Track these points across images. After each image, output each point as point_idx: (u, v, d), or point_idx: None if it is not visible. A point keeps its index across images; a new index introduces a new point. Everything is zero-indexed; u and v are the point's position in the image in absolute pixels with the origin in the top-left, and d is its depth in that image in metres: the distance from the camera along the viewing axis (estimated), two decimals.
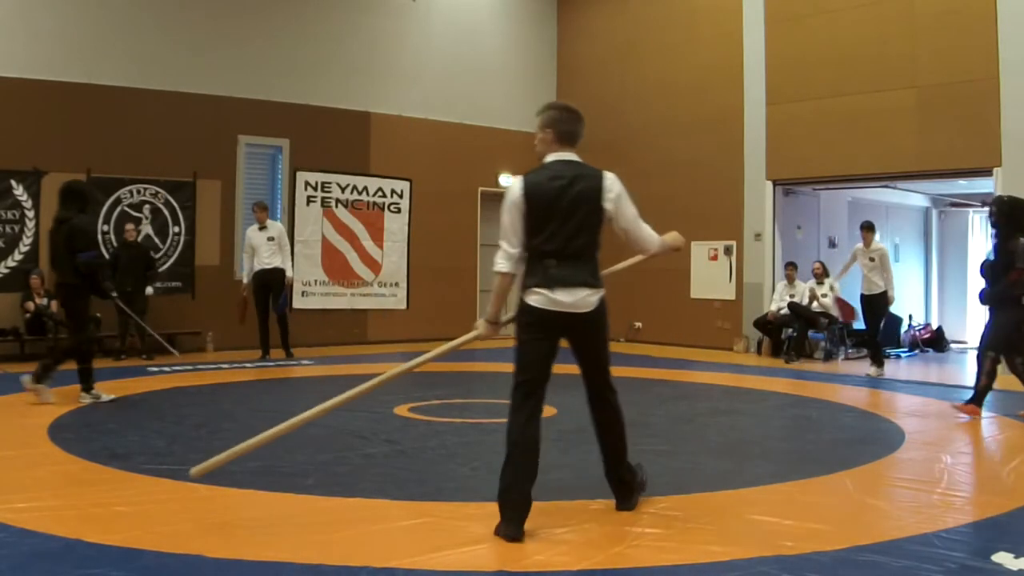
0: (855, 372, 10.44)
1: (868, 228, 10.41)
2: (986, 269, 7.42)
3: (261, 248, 10.93)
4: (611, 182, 4.07)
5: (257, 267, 10.93)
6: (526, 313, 4.01)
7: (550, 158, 4.10)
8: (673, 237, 4.46)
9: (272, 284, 10.92)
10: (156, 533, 3.79)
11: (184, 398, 7.84)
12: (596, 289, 4.01)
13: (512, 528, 3.79)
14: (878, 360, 10.23)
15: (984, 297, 7.39)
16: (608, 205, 4.03)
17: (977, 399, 7.18)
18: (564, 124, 4.14)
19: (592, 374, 4.18)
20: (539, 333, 3.99)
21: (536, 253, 3.99)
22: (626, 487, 4.28)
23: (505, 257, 4.01)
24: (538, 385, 4.02)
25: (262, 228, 11.00)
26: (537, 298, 3.96)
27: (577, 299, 3.95)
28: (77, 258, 7.17)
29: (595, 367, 4.17)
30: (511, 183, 4.09)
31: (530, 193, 3.99)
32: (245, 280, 11.11)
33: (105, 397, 7.41)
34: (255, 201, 11.47)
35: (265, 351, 10.97)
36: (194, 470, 4.23)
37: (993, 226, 7.35)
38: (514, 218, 4.00)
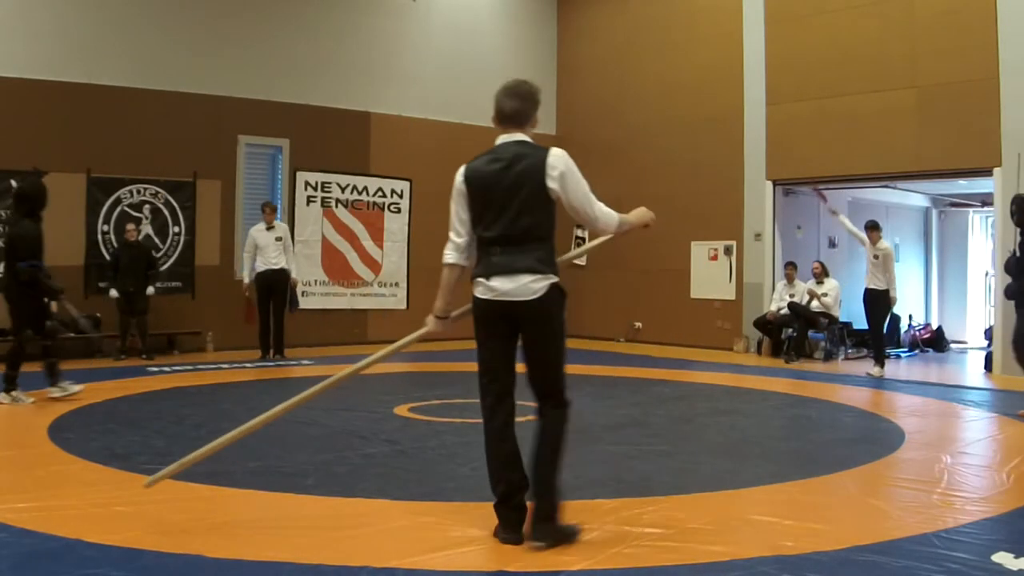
0: (855, 372, 10.44)
1: (873, 227, 10.38)
2: (1011, 265, 7.55)
3: (268, 248, 10.93)
4: (555, 159, 3.74)
5: (262, 267, 10.92)
6: (474, 307, 3.83)
7: (497, 141, 3.90)
8: (639, 214, 4.05)
9: (276, 285, 10.92)
10: (156, 533, 3.79)
11: (184, 398, 7.84)
12: (543, 275, 3.69)
13: (511, 534, 3.73)
14: (880, 359, 10.22)
15: (1009, 292, 7.55)
16: (552, 184, 3.71)
17: None
18: (497, 103, 3.90)
19: (535, 375, 3.78)
20: (486, 328, 3.78)
21: (482, 241, 3.79)
22: (539, 513, 3.70)
23: (452, 247, 3.87)
24: (504, 387, 3.78)
25: (270, 228, 11.01)
26: (479, 288, 3.77)
27: (518, 286, 3.67)
28: (17, 266, 7.17)
29: (538, 366, 3.77)
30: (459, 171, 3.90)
31: (469, 178, 3.82)
32: (247, 280, 11.10)
33: (73, 388, 7.41)
34: (265, 201, 11.50)
35: (265, 352, 10.97)
36: (148, 480, 4.15)
37: (1017, 224, 7.45)
38: (458, 206, 3.84)
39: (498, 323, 3.76)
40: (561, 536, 3.71)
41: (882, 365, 10.19)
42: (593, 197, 3.85)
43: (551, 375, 3.79)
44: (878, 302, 10.20)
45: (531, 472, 3.74)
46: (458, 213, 3.86)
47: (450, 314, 3.96)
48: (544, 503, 3.71)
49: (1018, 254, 7.47)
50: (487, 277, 3.73)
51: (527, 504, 3.77)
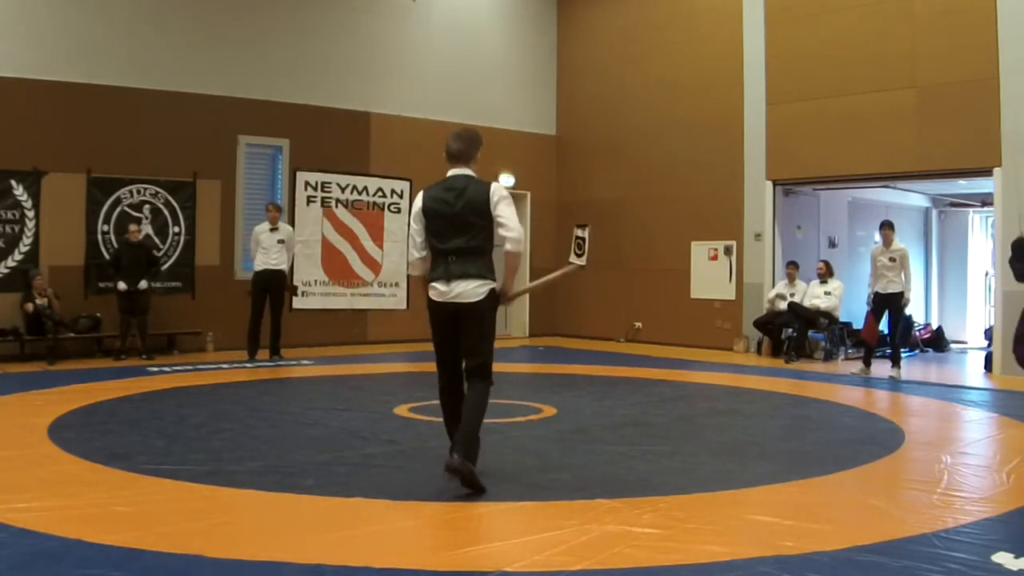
0: (855, 372, 10.43)
1: (889, 227, 10.19)
2: (1018, 247, 7.55)
3: (270, 249, 10.96)
4: (495, 190, 4.73)
5: (261, 266, 10.92)
6: (428, 305, 4.85)
7: (448, 173, 4.84)
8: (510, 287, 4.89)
9: (273, 285, 10.95)
10: (156, 533, 3.79)
11: (184, 398, 7.84)
12: (486, 281, 4.69)
13: (455, 458, 4.52)
14: (895, 360, 10.14)
15: (1020, 275, 7.59)
16: (493, 209, 4.69)
17: None
18: (449, 146, 4.87)
19: (471, 360, 4.78)
20: (438, 323, 4.79)
21: (438, 252, 4.76)
22: (464, 447, 4.57)
23: (412, 262, 4.95)
24: (454, 371, 4.89)
25: (273, 229, 11.04)
26: (434, 292, 4.75)
27: (466, 289, 4.66)
28: None
29: (474, 353, 4.76)
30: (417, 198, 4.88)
31: (427, 207, 4.78)
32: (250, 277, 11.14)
33: None
34: (270, 200, 11.54)
35: (252, 353, 10.88)
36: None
37: None
38: (417, 227, 4.83)
39: (447, 321, 4.74)
40: (473, 479, 4.50)
41: (897, 365, 10.12)
42: (513, 219, 4.75)
43: (480, 359, 4.73)
44: (893, 304, 10.06)
45: (462, 426, 4.65)
46: (417, 234, 4.84)
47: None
48: (471, 449, 4.59)
49: None
50: (446, 281, 4.69)
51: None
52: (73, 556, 3.49)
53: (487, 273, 4.70)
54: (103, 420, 6.60)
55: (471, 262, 4.67)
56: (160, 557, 3.50)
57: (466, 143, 4.87)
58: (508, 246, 4.70)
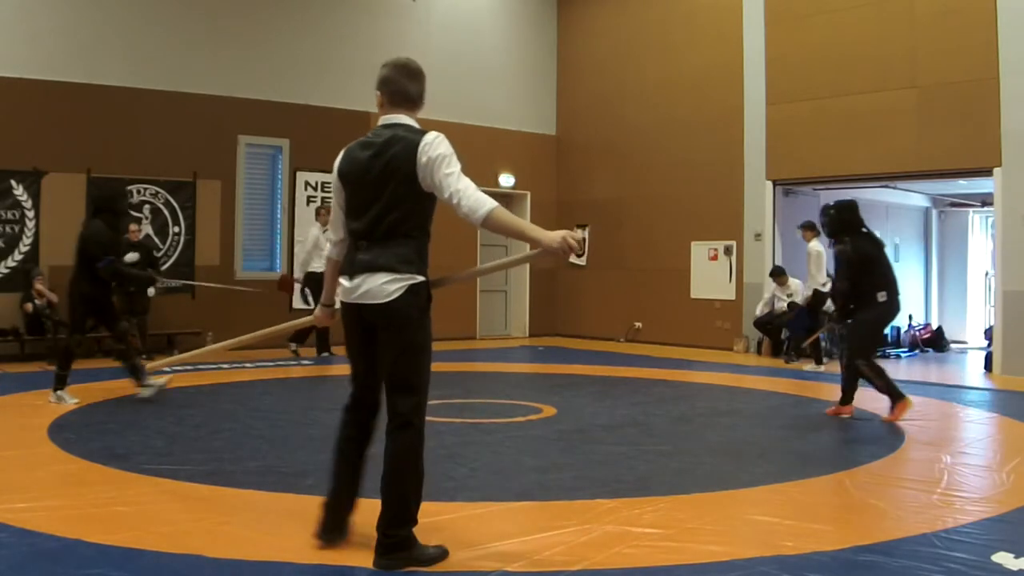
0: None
1: (805, 227, 10.85)
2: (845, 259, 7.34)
3: (324, 249, 11.36)
4: (426, 144, 3.37)
5: (320, 268, 11.33)
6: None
7: (379, 122, 3.57)
8: (550, 237, 3.23)
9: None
10: (156, 533, 3.79)
11: (184, 398, 7.83)
12: (400, 276, 3.35)
13: (324, 532, 3.61)
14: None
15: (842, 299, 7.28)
16: (420, 172, 3.34)
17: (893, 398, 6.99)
18: (394, 83, 3.56)
19: (387, 388, 3.51)
20: (347, 332, 3.55)
21: (350, 234, 3.51)
22: (381, 545, 3.41)
23: (331, 246, 3.68)
24: (359, 398, 3.67)
25: (324, 231, 11.52)
26: (340, 289, 3.52)
27: (373, 287, 3.35)
28: (95, 265, 7.32)
29: (389, 378, 3.49)
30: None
31: (341, 168, 3.55)
32: (300, 276, 11.63)
33: (69, 400, 7.26)
34: (324, 205, 12.09)
35: (325, 347, 11.47)
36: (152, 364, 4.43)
37: (828, 235, 7.36)
38: (336, 199, 3.61)
39: (356, 328, 3.49)
40: (415, 563, 3.38)
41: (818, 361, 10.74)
42: (460, 180, 3.33)
43: (401, 389, 3.43)
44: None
45: (385, 502, 3.42)
46: (336, 208, 3.61)
47: (334, 303, 3.70)
48: (388, 534, 3.39)
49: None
50: (349, 276, 3.43)
51: (345, 509, 3.67)
52: (73, 556, 3.49)
53: (403, 265, 3.34)
54: (103, 420, 6.60)
55: (384, 249, 3.35)
56: (160, 557, 3.50)
57: (415, 80, 3.60)
58: (470, 220, 3.29)
